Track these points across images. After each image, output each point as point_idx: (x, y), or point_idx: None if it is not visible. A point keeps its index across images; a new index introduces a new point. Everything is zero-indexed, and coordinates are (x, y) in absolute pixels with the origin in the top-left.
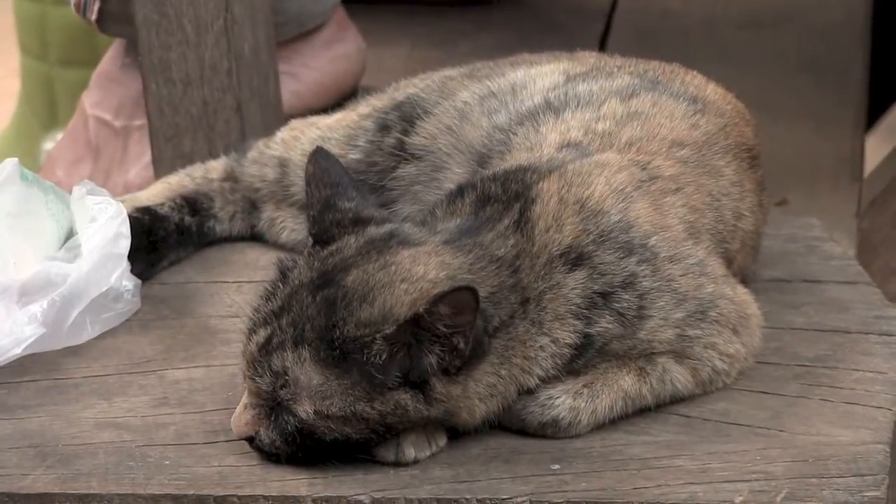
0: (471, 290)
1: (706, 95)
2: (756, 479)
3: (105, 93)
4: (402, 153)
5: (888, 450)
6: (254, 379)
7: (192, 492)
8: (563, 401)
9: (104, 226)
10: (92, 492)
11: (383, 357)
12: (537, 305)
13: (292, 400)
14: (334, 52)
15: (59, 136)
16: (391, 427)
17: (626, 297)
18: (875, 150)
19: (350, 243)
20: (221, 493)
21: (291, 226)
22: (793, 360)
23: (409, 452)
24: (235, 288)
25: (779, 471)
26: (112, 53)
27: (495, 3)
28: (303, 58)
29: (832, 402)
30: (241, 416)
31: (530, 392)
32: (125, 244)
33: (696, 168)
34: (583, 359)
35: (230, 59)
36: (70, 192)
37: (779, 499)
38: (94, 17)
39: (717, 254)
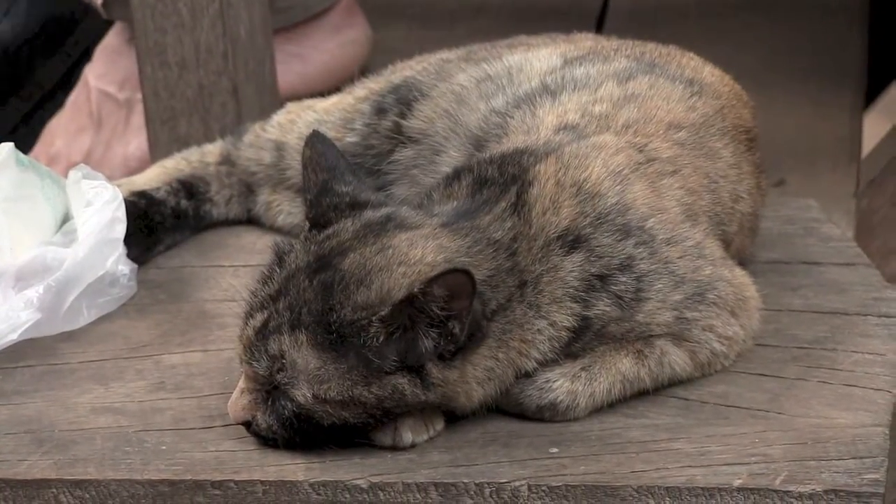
0: (466, 274)
1: (703, 77)
2: (755, 462)
3: (110, 66)
4: (398, 136)
5: (887, 432)
6: (251, 363)
7: (188, 477)
8: (560, 384)
9: (100, 210)
10: (89, 477)
11: (380, 340)
12: (535, 288)
13: (289, 384)
14: (344, 36)
15: None
16: (389, 411)
17: (624, 279)
18: (873, 130)
19: (347, 227)
20: (218, 478)
21: (288, 209)
22: (791, 343)
23: (407, 436)
24: (232, 272)
25: (778, 453)
26: (117, 28)
27: None
28: (312, 41)
29: (831, 384)
30: (238, 401)
31: (528, 376)
32: (121, 228)
33: (694, 150)
34: (580, 342)
35: (226, 42)
36: (69, 163)
37: (778, 481)
38: (100, 0)
39: (715, 236)
